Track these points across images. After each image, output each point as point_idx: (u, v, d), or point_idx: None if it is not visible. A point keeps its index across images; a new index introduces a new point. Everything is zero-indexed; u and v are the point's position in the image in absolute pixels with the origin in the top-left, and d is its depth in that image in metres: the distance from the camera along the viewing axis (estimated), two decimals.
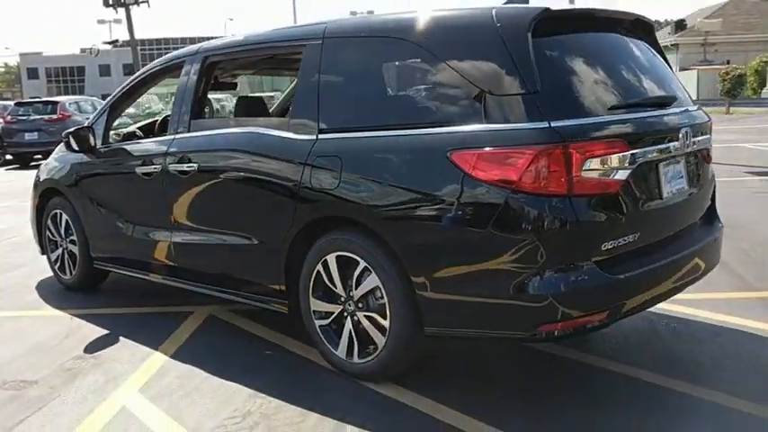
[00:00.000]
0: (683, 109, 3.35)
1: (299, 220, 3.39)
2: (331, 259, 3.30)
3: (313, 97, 3.44)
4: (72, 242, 5.05)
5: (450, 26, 3.17)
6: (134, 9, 32.26)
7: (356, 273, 3.22)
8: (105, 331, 4.23)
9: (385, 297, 3.11)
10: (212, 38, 3.80)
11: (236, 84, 5.44)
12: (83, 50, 40.10)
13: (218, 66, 4.27)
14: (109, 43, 39.96)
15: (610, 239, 2.83)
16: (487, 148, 2.78)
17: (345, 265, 3.26)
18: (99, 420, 3.05)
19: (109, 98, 4.92)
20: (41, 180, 5.31)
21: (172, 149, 4.11)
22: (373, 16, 3.96)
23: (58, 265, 5.28)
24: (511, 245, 2.75)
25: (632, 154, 2.86)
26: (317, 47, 3.49)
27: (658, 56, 3.58)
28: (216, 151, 3.88)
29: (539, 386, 3.30)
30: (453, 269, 2.92)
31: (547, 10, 2.91)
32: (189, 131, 4.08)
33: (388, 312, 3.11)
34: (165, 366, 3.64)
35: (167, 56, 4.56)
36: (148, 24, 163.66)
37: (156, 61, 4.64)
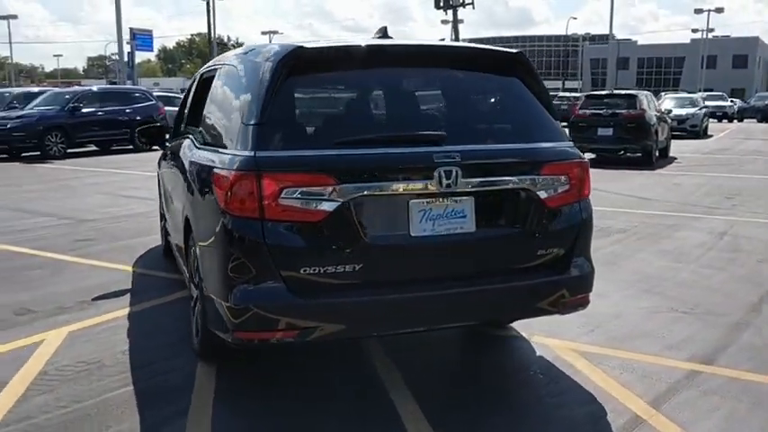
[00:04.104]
0: (461, 148, 3.12)
1: (184, 211, 4.08)
2: (193, 246, 3.93)
3: (203, 113, 4.09)
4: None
5: (247, 59, 3.55)
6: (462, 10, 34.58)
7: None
8: (129, 287, 5.42)
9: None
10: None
11: None
12: None
13: (208, 81, 5.09)
14: None
15: (312, 265, 2.97)
16: (217, 170, 3.17)
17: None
18: (21, 343, 4.17)
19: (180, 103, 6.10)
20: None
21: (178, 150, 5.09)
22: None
23: (161, 233, 6.71)
24: (222, 256, 3.10)
25: (341, 188, 2.94)
26: (218, 72, 4.11)
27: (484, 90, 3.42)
28: (180, 151, 4.74)
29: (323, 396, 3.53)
30: (209, 271, 3.35)
31: (298, 48, 3.13)
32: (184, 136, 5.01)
33: (200, 300, 3.64)
34: (114, 318, 4.65)
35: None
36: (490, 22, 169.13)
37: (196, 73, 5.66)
